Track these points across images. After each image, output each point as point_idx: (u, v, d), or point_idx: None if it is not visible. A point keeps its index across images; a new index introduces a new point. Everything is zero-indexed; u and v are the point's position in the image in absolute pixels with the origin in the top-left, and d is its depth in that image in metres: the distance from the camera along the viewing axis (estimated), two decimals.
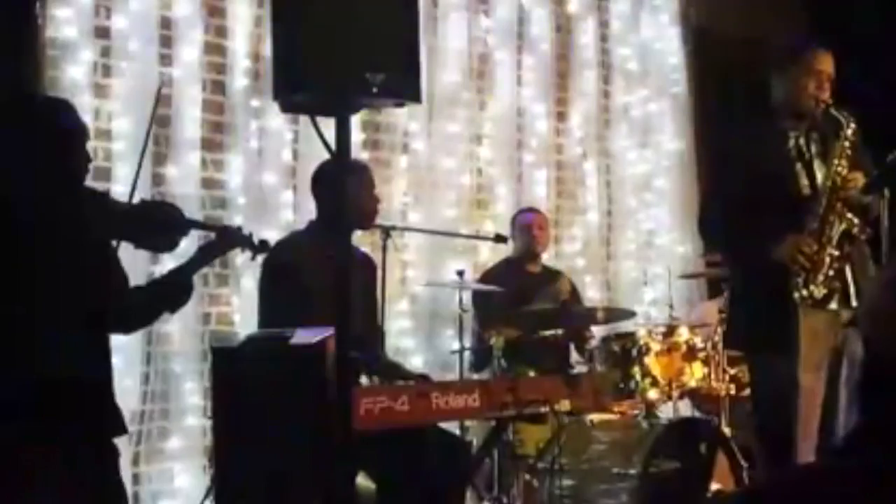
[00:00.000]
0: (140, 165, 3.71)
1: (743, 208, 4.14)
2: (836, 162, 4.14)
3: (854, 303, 4.14)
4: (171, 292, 3.52)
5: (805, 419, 4.08)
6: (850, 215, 4.12)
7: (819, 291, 4.08)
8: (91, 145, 4.95)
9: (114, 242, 3.39)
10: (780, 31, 7.01)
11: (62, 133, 3.27)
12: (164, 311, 3.60)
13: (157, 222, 3.40)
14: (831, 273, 4.09)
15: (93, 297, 3.24)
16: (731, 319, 4.52)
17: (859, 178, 4.14)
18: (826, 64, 4.22)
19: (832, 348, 4.16)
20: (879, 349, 1.65)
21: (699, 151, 7.19)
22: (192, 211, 5.08)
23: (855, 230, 4.11)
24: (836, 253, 4.10)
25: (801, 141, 4.23)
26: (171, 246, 3.48)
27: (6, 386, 3.10)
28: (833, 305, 4.12)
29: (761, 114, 4.37)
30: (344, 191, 3.19)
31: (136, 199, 3.52)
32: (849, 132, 4.13)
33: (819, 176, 4.19)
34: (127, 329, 3.58)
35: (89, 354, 3.25)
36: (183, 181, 5.24)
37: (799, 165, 4.21)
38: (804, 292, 4.07)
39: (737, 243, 4.34)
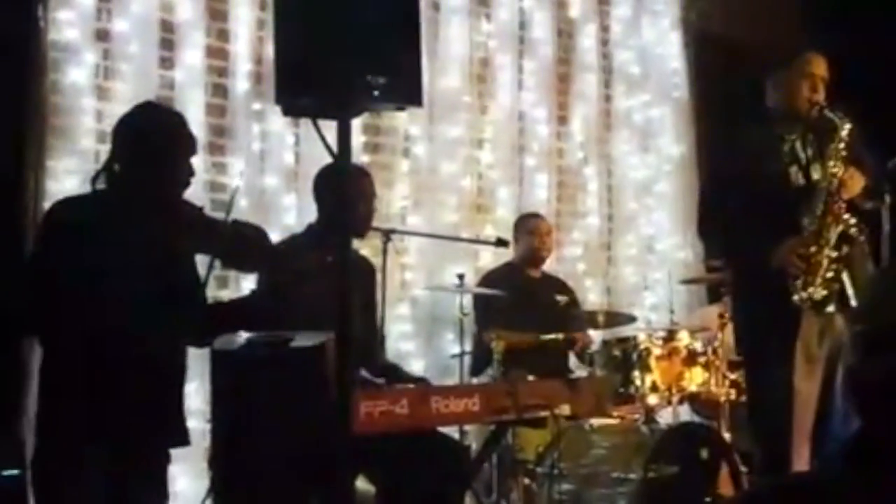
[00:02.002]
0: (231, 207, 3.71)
1: (740, 212, 4.15)
2: (831, 164, 4.15)
3: (853, 304, 4.14)
4: (248, 313, 3.57)
5: (799, 424, 4.10)
6: (846, 216, 4.12)
7: (818, 293, 4.09)
8: (95, 147, 5.02)
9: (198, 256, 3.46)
10: (780, 35, 7.01)
11: (142, 136, 3.34)
12: (238, 331, 3.64)
13: (247, 243, 3.45)
14: (829, 275, 4.10)
15: (172, 309, 3.28)
16: (735, 323, 4.53)
17: (857, 177, 4.14)
18: (819, 67, 4.23)
19: (827, 354, 4.17)
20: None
21: (700, 156, 7.20)
22: None
23: (852, 231, 4.12)
24: (835, 254, 4.10)
25: (797, 144, 4.24)
26: (255, 268, 3.52)
27: (82, 393, 3.16)
28: (831, 308, 4.12)
29: (758, 118, 4.39)
30: (343, 195, 3.19)
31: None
32: (843, 133, 4.14)
33: (815, 178, 4.20)
34: (200, 343, 3.63)
35: (165, 365, 3.31)
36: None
37: (795, 168, 4.22)
38: (803, 294, 4.08)
39: (735, 248, 4.35)
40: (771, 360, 4.16)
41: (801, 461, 4.09)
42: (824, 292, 4.09)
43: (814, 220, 4.12)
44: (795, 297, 4.08)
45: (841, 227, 4.12)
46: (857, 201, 4.18)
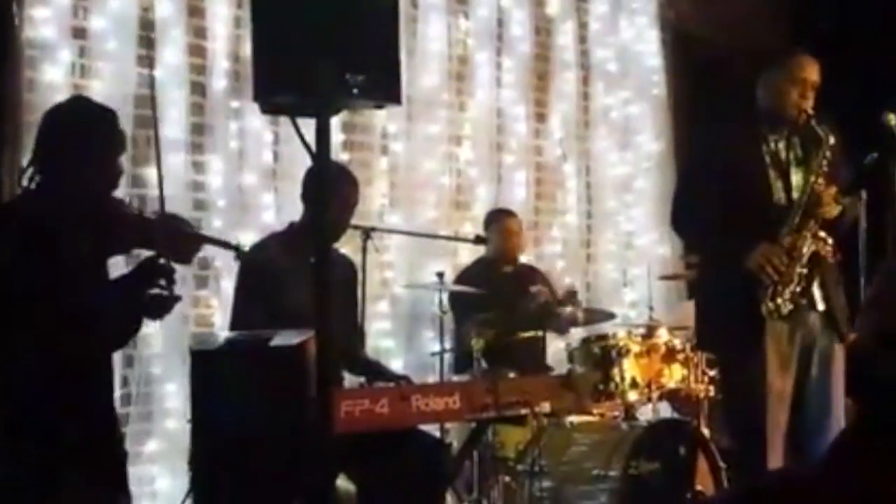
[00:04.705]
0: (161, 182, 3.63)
1: (716, 210, 4.17)
2: (812, 179, 4.16)
3: (820, 307, 4.18)
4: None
5: (773, 420, 4.12)
6: (822, 235, 4.14)
7: (785, 307, 4.11)
8: None
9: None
10: (758, 33, 7.04)
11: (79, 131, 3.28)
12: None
13: (176, 233, 3.40)
14: (798, 290, 4.12)
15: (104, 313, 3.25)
16: (702, 320, 4.53)
17: (834, 195, 4.16)
18: (810, 72, 4.21)
19: (800, 349, 4.19)
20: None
21: (678, 153, 7.22)
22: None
23: (824, 252, 4.14)
24: (805, 271, 4.13)
25: (781, 146, 4.24)
26: (186, 259, 3.47)
27: (35, 412, 3.13)
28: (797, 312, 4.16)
29: (741, 116, 4.39)
30: (326, 198, 3.19)
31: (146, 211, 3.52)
32: (827, 147, 4.15)
33: (794, 182, 4.21)
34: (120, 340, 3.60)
35: (101, 375, 3.28)
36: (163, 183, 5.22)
37: (774, 172, 4.22)
38: (771, 305, 4.09)
39: (709, 245, 4.37)
40: (743, 356, 4.19)
41: (776, 456, 4.13)
42: (791, 306, 4.12)
43: (790, 233, 4.13)
44: (762, 308, 4.10)
45: (814, 247, 4.14)
46: (831, 213, 4.19)
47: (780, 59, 4.27)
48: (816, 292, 4.18)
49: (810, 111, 4.15)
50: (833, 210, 4.15)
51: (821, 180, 4.14)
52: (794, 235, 4.12)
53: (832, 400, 4.16)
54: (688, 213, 4.35)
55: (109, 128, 3.35)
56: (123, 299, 3.29)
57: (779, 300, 4.09)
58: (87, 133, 3.28)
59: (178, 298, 3.33)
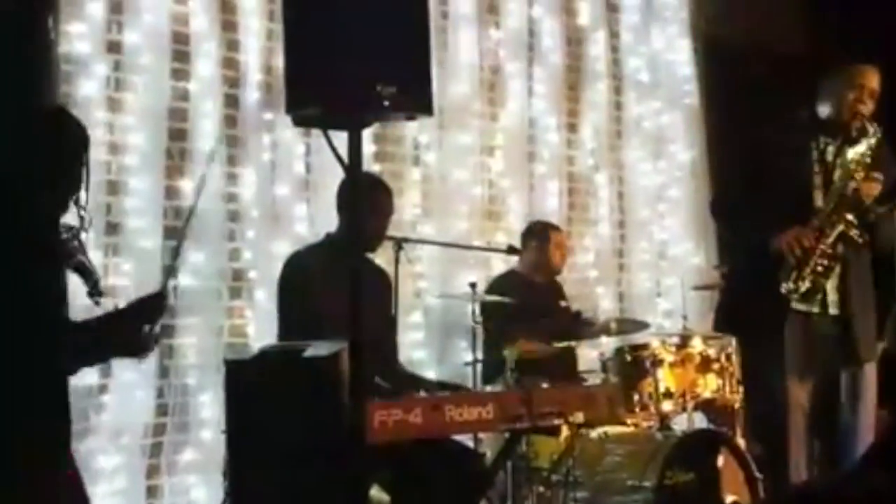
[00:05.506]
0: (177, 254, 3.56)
1: (755, 210, 4.19)
2: (852, 168, 4.15)
3: (833, 311, 4.18)
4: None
5: (795, 424, 4.13)
6: (850, 217, 4.14)
7: (804, 286, 4.12)
8: (107, 159, 5.03)
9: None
10: (790, 40, 7.01)
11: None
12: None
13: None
14: (819, 269, 4.12)
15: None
16: (724, 306, 4.55)
17: (875, 188, 4.16)
18: (868, 79, 4.23)
19: (823, 355, 4.19)
20: None
21: (712, 162, 7.19)
22: (208, 225, 5.10)
23: (852, 233, 4.14)
24: (829, 251, 4.13)
25: (830, 148, 4.25)
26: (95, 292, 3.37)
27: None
28: (815, 308, 4.15)
29: (788, 122, 4.42)
30: (360, 208, 3.20)
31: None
32: (871, 140, 4.14)
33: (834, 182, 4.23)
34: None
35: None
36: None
37: (819, 180, 4.24)
38: (791, 285, 4.11)
39: (740, 230, 4.39)
40: (763, 361, 4.21)
41: (799, 460, 4.13)
42: (809, 285, 4.13)
43: (819, 216, 4.15)
44: (783, 287, 4.12)
45: (842, 227, 4.14)
46: (867, 208, 4.19)
47: (839, 68, 4.28)
48: (831, 294, 4.18)
49: (865, 114, 4.16)
50: (869, 197, 4.16)
51: (860, 170, 4.14)
52: (825, 219, 4.13)
53: (863, 418, 4.15)
54: (728, 207, 4.40)
55: (84, 145, 3.29)
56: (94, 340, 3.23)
57: (798, 281, 4.11)
58: (61, 148, 3.22)
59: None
